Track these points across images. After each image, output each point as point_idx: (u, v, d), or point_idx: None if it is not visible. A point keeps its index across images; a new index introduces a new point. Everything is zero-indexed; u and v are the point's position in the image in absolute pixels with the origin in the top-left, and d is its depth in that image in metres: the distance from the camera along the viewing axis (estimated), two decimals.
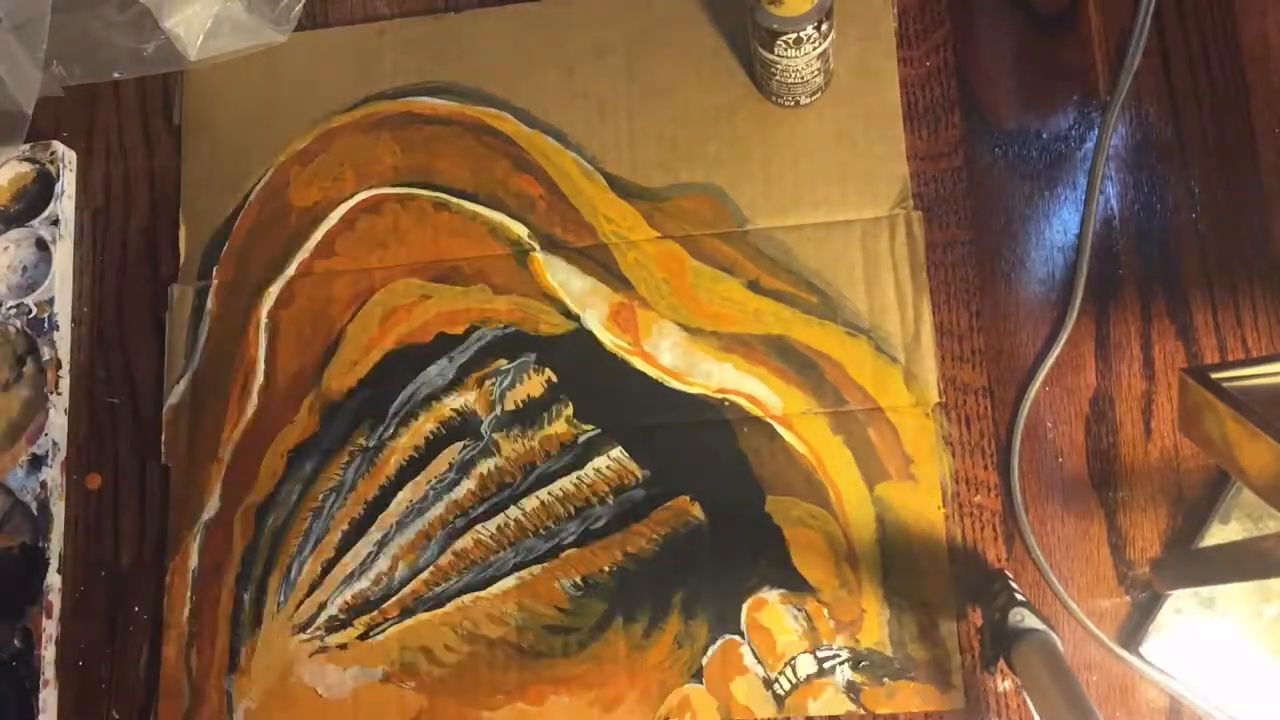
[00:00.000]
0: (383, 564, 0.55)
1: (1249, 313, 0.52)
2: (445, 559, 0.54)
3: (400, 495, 0.55)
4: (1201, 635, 0.48)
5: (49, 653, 0.55)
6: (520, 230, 0.57)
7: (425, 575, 0.54)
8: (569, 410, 0.55)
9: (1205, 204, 0.53)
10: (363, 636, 0.54)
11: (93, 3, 0.59)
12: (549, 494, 0.54)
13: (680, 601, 0.52)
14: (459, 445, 0.55)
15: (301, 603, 0.55)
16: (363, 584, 0.55)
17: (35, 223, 0.60)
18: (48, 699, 0.55)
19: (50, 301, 0.59)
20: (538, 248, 0.56)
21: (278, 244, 0.58)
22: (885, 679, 0.50)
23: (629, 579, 0.53)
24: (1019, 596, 0.47)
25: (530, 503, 0.54)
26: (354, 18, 0.61)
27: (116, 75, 0.61)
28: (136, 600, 0.56)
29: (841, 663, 0.51)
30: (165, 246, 0.60)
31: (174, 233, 0.60)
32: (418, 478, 0.55)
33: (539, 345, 0.55)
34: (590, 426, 0.54)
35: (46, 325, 0.59)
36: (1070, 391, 0.52)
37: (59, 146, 0.60)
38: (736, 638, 0.52)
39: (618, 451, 0.54)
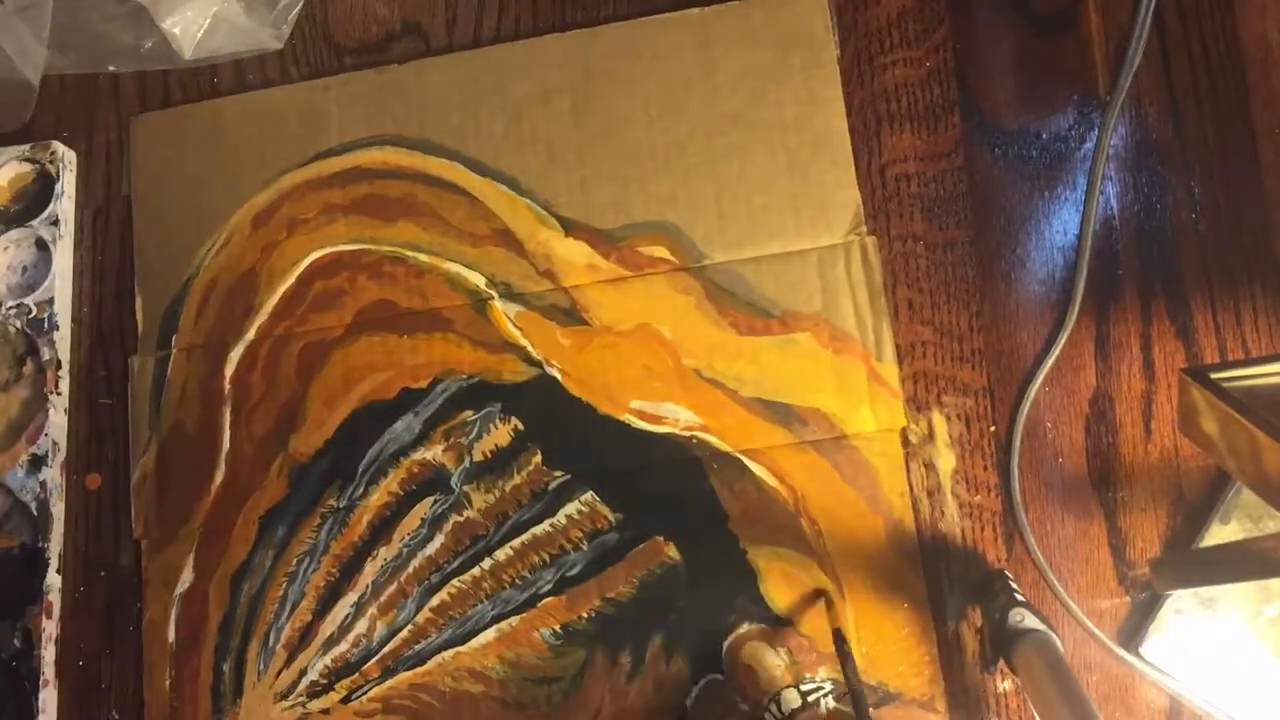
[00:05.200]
0: (361, 625, 0.54)
1: (1249, 313, 0.52)
2: (423, 616, 0.54)
3: (374, 554, 0.55)
4: (1202, 635, 0.48)
5: (49, 653, 0.55)
6: (478, 279, 0.56)
7: (404, 634, 0.54)
8: (537, 458, 0.54)
9: (1205, 204, 0.53)
10: (345, 700, 0.54)
11: None
12: (523, 543, 0.54)
13: (661, 643, 0.52)
14: (430, 500, 0.55)
15: (282, 670, 0.54)
16: (342, 647, 0.54)
17: (35, 223, 0.60)
18: (47, 699, 0.55)
19: (50, 301, 0.59)
20: (496, 296, 0.56)
21: (235, 309, 0.58)
22: (869, 707, 0.50)
23: (608, 624, 0.52)
24: (1019, 597, 0.47)
25: (504, 553, 0.54)
26: (353, 21, 0.61)
27: (111, 68, 0.60)
28: (137, 600, 0.56)
29: (825, 695, 0.51)
30: None
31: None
32: (390, 535, 0.55)
33: (504, 394, 0.55)
34: (560, 473, 0.54)
35: (46, 325, 0.59)
36: (1070, 392, 0.52)
37: (59, 147, 0.60)
38: (718, 676, 0.51)
39: (589, 496, 0.54)
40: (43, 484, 0.57)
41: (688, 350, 0.54)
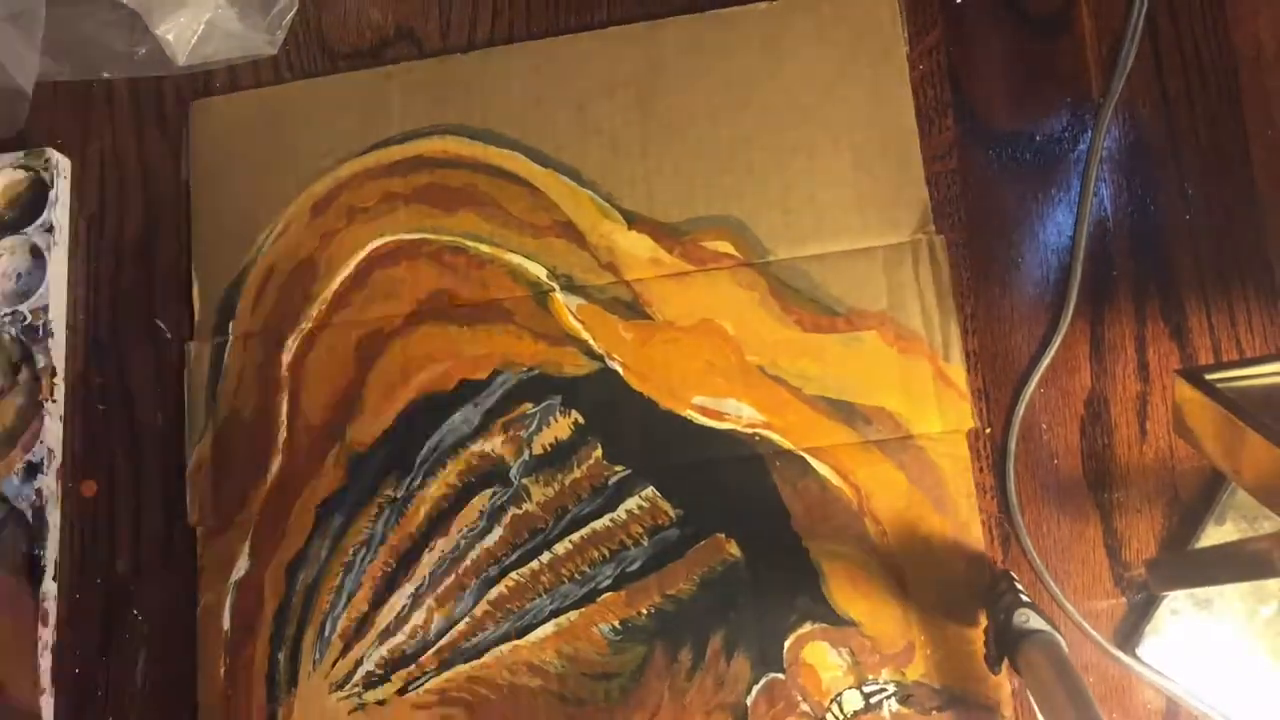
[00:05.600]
0: (418, 617, 0.54)
1: (1243, 313, 0.52)
2: (481, 609, 0.53)
3: (432, 546, 0.54)
4: (1198, 636, 0.48)
5: (45, 661, 0.55)
6: (539, 271, 0.56)
7: (461, 626, 0.53)
8: (598, 452, 0.54)
9: (1198, 205, 0.53)
10: (401, 691, 0.53)
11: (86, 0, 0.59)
12: (582, 537, 0.53)
13: (721, 641, 0.51)
14: (488, 492, 0.54)
15: (337, 660, 0.54)
16: (399, 638, 0.54)
17: (29, 230, 0.60)
18: (45, 707, 0.55)
19: (45, 309, 0.59)
20: (558, 288, 0.55)
21: (293, 296, 0.58)
22: (933, 711, 0.49)
23: (668, 620, 0.52)
24: (1024, 597, 0.47)
25: (563, 547, 0.53)
26: (347, 26, 0.61)
27: (106, 75, 0.60)
28: (134, 607, 0.56)
29: (888, 697, 0.50)
30: (161, 253, 0.60)
31: (169, 240, 0.60)
32: (449, 527, 0.54)
33: (564, 387, 0.54)
34: (620, 467, 0.53)
35: (41, 332, 0.59)
36: (1065, 393, 0.52)
37: (53, 154, 0.60)
38: (779, 675, 0.51)
39: (650, 491, 0.53)
40: (38, 491, 0.57)
41: (751, 346, 0.54)
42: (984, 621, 0.50)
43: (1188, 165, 0.53)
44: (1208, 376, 0.39)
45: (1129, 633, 0.50)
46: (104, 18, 0.59)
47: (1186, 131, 0.53)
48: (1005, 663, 0.47)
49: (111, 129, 0.62)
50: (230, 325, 0.58)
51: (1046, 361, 0.52)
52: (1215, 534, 0.49)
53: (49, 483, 0.57)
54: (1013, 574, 0.49)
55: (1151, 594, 0.49)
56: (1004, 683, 0.50)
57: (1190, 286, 0.52)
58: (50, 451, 0.57)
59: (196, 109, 0.61)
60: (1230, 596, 0.48)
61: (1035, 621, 0.45)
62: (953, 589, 0.50)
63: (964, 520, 0.51)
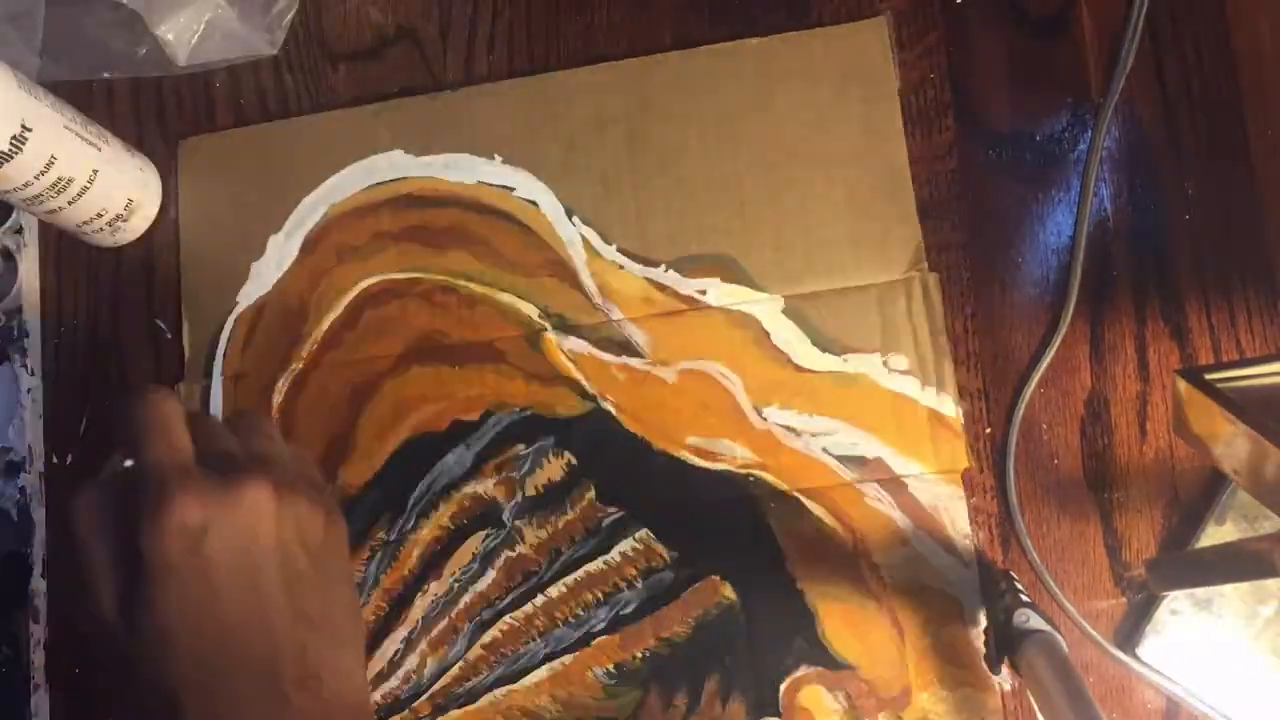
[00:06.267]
0: (411, 661, 0.53)
1: (1243, 314, 0.52)
2: (474, 653, 0.53)
3: (424, 589, 0.54)
4: (1198, 636, 0.48)
5: (38, 657, 0.55)
6: (531, 310, 0.55)
7: (455, 671, 0.53)
8: (591, 493, 0.53)
9: (1199, 205, 0.53)
10: None
11: (87, 0, 0.59)
12: (576, 580, 0.53)
13: (716, 684, 0.51)
14: (481, 535, 0.54)
15: None
16: (392, 683, 0.53)
17: None
18: (39, 704, 0.55)
19: (19, 310, 0.59)
20: (550, 328, 0.55)
21: (283, 337, 0.57)
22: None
23: (663, 664, 0.52)
24: (1024, 597, 0.47)
25: (557, 590, 0.53)
26: (347, 26, 0.61)
27: (105, 75, 0.60)
28: None
29: None
30: (160, 253, 0.60)
31: (168, 240, 0.60)
32: (441, 570, 0.54)
33: (557, 428, 0.54)
34: (614, 509, 0.53)
35: (16, 333, 0.59)
36: (1065, 393, 0.52)
37: None
38: (776, 719, 0.51)
39: (644, 533, 0.53)
40: (21, 490, 0.57)
41: (744, 386, 0.53)
42: (984, 621, 0.50)
43: (1188, 165, 0.53)
44: (1208, 376, 0.39)
45: (1129, 633, 0.50)
46: (104, 18, 0.59)
47: (1186, 132, 0.53)
48: (1005, 662, 0.47)
49: (111, 129, 0.61)
50: (220, 366, 0.57)
51: (1047, 361, 0.52)
52: (1215, 534, 0.49)
53: (31, 481, 0.57)
54: (1013, 574, 0.49)
55: (1151, 594, 0.49)
56: None
57: (1190, 286, 0.52)
58: (30, 449, 0.57)
59: (184, 149, 0.60)
60: (1230, 596, 0.48)
61: (1035, 621, 0.45)
62: (949, 631, 0.50)
63: (960, 561, 0.50)
